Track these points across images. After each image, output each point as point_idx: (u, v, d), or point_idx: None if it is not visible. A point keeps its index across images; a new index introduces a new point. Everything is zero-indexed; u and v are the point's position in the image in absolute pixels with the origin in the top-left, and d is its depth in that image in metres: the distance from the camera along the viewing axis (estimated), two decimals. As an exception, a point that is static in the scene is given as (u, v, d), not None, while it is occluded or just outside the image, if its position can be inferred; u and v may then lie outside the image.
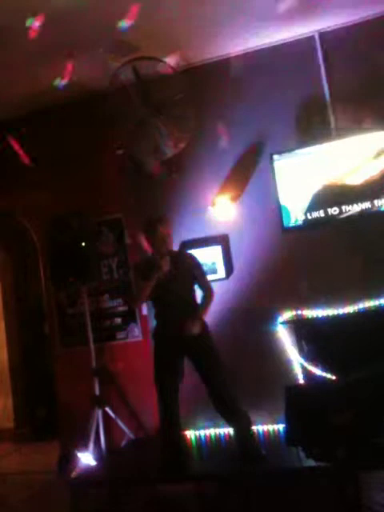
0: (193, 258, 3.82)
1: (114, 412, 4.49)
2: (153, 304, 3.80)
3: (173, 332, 3.64)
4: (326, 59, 4.35)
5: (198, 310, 3.69)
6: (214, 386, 3.62)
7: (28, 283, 5.97)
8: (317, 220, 4.25)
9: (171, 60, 4.14)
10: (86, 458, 4.27)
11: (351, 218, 4.17)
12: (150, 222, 3.74)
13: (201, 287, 3.78)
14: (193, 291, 3.78)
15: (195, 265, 3.78)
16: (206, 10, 3.80)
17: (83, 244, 4.62)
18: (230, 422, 3.67)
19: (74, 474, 4.12)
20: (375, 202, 4.12)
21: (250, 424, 3.64)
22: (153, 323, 3.87)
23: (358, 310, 4.14)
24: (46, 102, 4.75)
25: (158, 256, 3.65)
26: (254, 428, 3.81)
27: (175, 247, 4.50)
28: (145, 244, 3.82)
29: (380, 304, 4.08)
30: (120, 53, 4.11)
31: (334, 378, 3.94)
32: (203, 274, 3.81)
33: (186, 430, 4.32)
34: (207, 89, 4.52)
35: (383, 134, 4.09)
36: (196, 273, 3.76)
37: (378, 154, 4.11)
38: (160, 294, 3.65)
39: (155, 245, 3.71)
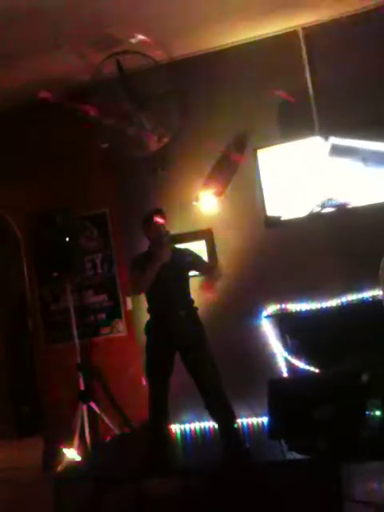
0: (191, 253, 3.85)
1: (98, 407, 4.49)
2: (147, 298, 3.80)
3: (166, 323, 3.65)
4: (309, 54, 4.36)
5: (193, 305, 3.75)
6: (204, 380, 3.64)
7: (11, 279, 5.92)
8: (300, 215, 4.27)
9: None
10: (71, 454, 4.26)
11: (334, 213, 4.20)
12: (147, 214, 3.76)
13: (203, 272, 3.88)
14: (188, 287, 3.79)
15: (194, 258, 3.82)
16: (190, 4, 3.79)
17: (67, 239, 4.60)
18: (215, 417, 3.70)
19: (58, 470, 4.11)
20: (359, 197, 4.16)
21: (234, 419, 3.67)
22: (146, 317, 3.87)
23: (341, 303, 4.18)
24: (29, 97, 4.70)
25: (158, 247, 3.66)
26: (238, 421, 3.84)
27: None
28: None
29: (362, 298, 4.12)
30: (104, 46, 4.09)
31: (317, 371, 3.98)
32: (203, 262, 3.92)
33: (171, 423, 4.34)
34: (191, 83, 4.51)
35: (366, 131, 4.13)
36: (197, 264, 3.82)
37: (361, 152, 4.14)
38: (155, 288, 3.65)
39: (152, 236, 3.73)
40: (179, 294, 3.71)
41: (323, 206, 4.22)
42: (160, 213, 3.77)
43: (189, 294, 3.78)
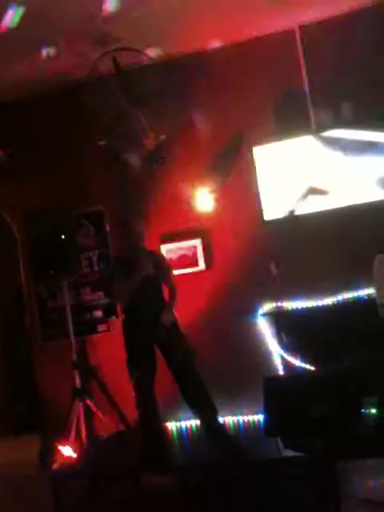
0: (164, 258, 3.93)
1: (95, 404, 4.49)
2: None
3: (146, 327, 3.69)
4: (305, 53, 4.36)
5: (168, 305, 3.80)
6: (184, 374, 3.68)
7: (8, 276, 5.91)
8: (296, 212, 4.28)
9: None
10: (68, 451, 4.26)
11: (330, 211, 4.21)
12: (125, 220, 3.78)
13: (168, 286, 3.88)
14: (162, 288, 3.86)
15: (166, 265, 3.89)
16: (187, 2, 3.78)
17: (63, 237, 4.59)
18: (196, 411, 3.73)
19: (55, 467, 4.12)
20: (355, 195, 4.17)
21: (216, 413, 3.70)
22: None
23: (337, 301, 4.19)
24: (25, 94, 4.69)
25: (139, 256, 3.67)
26: (235, 419, 3.85)
27: (156, 240, 4.53)
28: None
29: (358, 296, 4.14)
30: (100, 43, 4.07)
31: (312, 368, 4.00)
32: (172, 274, 3.94)
33: (167, 421, 4.35)
34: (188, 81, 4.50)
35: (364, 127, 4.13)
36: (166, 273, 3.87)
37: (358, 149, 4.15)
38: (135, 291, 3.67)
39: (128, 241, 3.74)
40: (155, 296, 3.78)
41: (319, 203, 4.22)
42: (136, 217, 3.79)
43: (164, 295, 3.84)
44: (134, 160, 4.44)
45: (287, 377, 3.93)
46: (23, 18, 3.60)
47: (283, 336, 4.24)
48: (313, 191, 4.25)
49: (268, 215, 4.34)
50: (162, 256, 3.94)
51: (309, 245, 4.29)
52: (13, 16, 3.50)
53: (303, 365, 4.08)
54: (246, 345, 4.33)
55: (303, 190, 4.26)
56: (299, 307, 4.26)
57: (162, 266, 3.84)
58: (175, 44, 4.38)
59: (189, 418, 4.40)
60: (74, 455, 4.23)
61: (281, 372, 4.22)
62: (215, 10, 3.93)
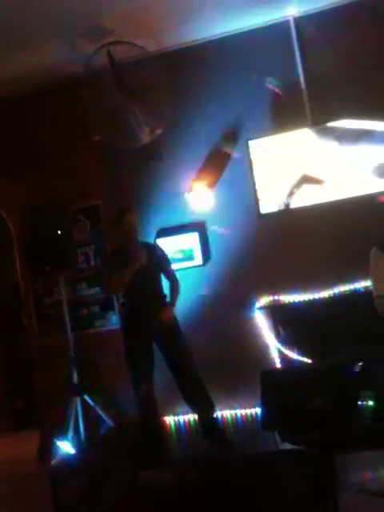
0: (161, 249, 3.91)
1: (92, 400, 4.49)
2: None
3: (143, 320, 3.68)
4: (301, 44, 4.34)
5: (166, 299, 3.78)
6: (181, 369, 3.68)
7: (4, 273, 5.91)
8: (292, 206, 4.27)
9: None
10: (66, 447, 4.27)
11: (327, 203, 4.20)
12: (117, 212, 3.77)
13: (168, 278, 3.87)
14: (160, 281, 3.85)
15: (164, 257, 3.87)
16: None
17: (59, 232, 4.58)
18: (193, 406, 3.73)
19: (53, 463, 4.12)
20: (351, 187, 4.16)
21: (213, 409, 3.70)
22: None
23: (334, 294, 4.19)
24: (20, 89, 4.67)
25: (133, 248, 3.66)
26: (232, 412, 3.86)
27: (153, 234, 4.52)
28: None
29: (355, 288, 4.14)
30: (96, 38, 4.05)
31: (309, 361, 4.00)
32: (170, 266, 3.91)
33: (165, 415, 4.36)
34: (183, 74, 4.49)
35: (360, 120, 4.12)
36: (164, 265, 3.85)
37: (354, 141, 4.14)
38: (130, 283, 3.67)
39: (123, 235, 3.74)
40: (153, 289, 3.76)
41: (315, 197, 4.22)
42: (130, 211, 3.79)
43: (162, 287, 3.83)
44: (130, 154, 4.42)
45: (284, 370, 3.94)
46: (18, 13, 3.59)
47: (280, 329, 4.25)
48: (309, 184, 4.25)
49: (264, 208, 4.33)
50: (159, 248, 3.91)
51: (305, 238, 4.29)
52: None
53: (300, 358, 4.09)
54: (242, 338, 4.33)
55: (299, 182, 4.25)
56: (296, 300, 4.26)
57: (159, 258, 3.82)
58: (170, 37, 4.36)
59: (187, 413, 4.41)
60: (73, 451, 4.23)
61: (278, 365, 4.22)
62: (210, 1, 3.90)
